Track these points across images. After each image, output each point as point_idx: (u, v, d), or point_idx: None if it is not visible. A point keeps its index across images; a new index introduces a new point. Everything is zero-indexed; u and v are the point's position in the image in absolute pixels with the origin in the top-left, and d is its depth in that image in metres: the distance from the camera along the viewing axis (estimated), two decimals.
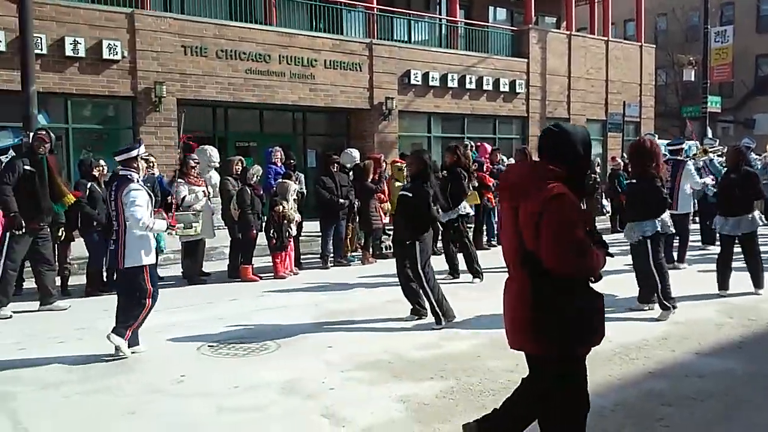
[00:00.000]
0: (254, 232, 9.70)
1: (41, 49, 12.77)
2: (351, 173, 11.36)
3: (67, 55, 13.51)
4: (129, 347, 5.81)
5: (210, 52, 15.39)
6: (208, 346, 6.20)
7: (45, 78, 12.93)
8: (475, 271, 9.31)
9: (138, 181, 5.91)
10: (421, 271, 6.81)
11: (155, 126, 14.71)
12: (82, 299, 8.48)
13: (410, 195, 6.97)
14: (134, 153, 5.95)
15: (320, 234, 11.11)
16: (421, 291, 6.94)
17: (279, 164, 11.35)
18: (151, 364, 5.66)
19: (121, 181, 5.89)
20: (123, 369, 5.50)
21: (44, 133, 7.89)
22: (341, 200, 10.65)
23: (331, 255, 10.91)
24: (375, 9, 18.83)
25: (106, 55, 13.91)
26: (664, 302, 6.96)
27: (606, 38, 24.00)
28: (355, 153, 12.12)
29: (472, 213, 9.98)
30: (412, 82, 18.82)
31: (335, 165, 10.92)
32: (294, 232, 10.16)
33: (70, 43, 13.50)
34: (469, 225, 10.79)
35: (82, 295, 8.65)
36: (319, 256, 11.05)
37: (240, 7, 16.42)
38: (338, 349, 6.00)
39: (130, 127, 14.73)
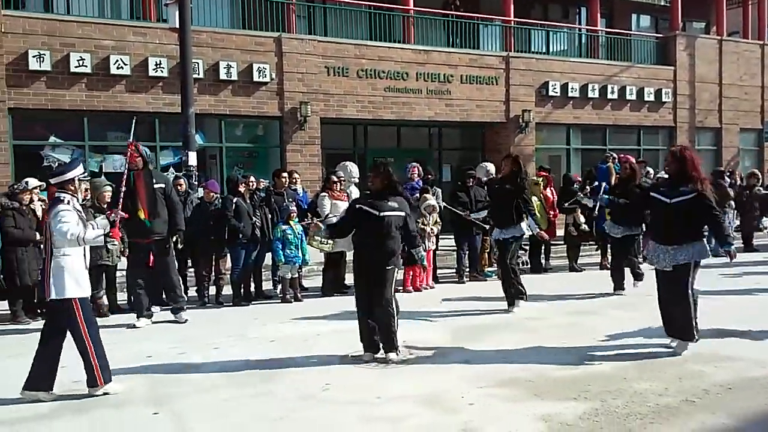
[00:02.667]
0: None
1: (198, 74, 13.79)
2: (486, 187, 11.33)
3: (221, 79, 14.49)
4: (107, 384, 5.37)
5: (351, 72, 15.96)
6: (351, 356, 6.41)
7: (201, 100, 13.92)
8: (520, 294, 8.42)
9: (68, 203, 5.37)
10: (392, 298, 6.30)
11: (300, 144, 15.44)
12: (231, 308, 9.05)
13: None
14: (68, 176, 5.46)
15: (455, 248, 11.18)
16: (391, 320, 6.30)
17: (416, 179, 11.54)
18: (300, 372, 5.93)
19: (53, 203, 5.45)
20: (274, 375, 5.81)
21: (134, 148, 7.81)
22: (472, 215, 10.63)
23: (467, 269, 10.93)
24: (512, 22, 18.72)
25: (256, 77, 14.80)
26: None
27: (762, 42, 22.40)
28: (491, 167, 12.07)
29: (528, 234, 8.79)
30: (550, 93, 18.50)
31: (471, 179, 10.95)
32: (431, 246, 10.28)
33: (224, 67, 14.48)
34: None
35: (230, 304, 9.22)
36: (455, 270, 11.11)
37: (379, 26, 16.90)
38: (476, 365, 6.02)
39: (278, 145, 15.54)
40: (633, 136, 20.57)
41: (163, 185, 8.08)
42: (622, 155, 10.18)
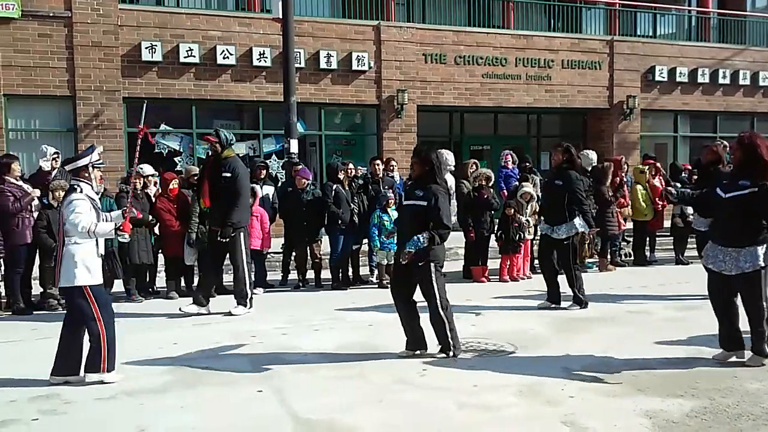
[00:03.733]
0: (483, 233, 9.87)
1: (300, 63, 14.10)
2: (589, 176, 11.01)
3: (321, 68, 14.76)
4: (108, 372, 5.36)
5: (449, 58, 15.89)
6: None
7: (302, 89, 14.22)
8: (580, 300, 7.90)
9: (82, 191, 5.36)
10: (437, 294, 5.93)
11: (397, 132, 15.53)
12: (330, 292, 9.26)
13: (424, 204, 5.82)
14: (81, 162, 5.43)
15: None
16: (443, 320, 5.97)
17: (510, 167, 11.38)
18: (395, 356, 5.99)
19: (67, 192, 5.48)
20: (371, 359, 5.91)
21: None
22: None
23: None
24: (617, 4, 18.07)
25: (354, 66, 14.99)
26: None
27: None
28: (593, 155, 11.74)
29: (587, 230, 8.20)
30: (657, 78, 17.77)
31: None
32: (528, 235, 10.13)
33: (324, 57, 14.74)
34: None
35: (328, 288, 9.44)
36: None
37: (478, 12, 16.71)
38: (577, 357, 5.90)
39: (375, 133, 15.69)
40: (745, 123, 19.42)
41: (229, 175, 7.70)
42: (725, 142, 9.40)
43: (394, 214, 9.54)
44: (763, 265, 5.28)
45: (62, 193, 8.12)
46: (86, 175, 5.44)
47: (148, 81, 13.72)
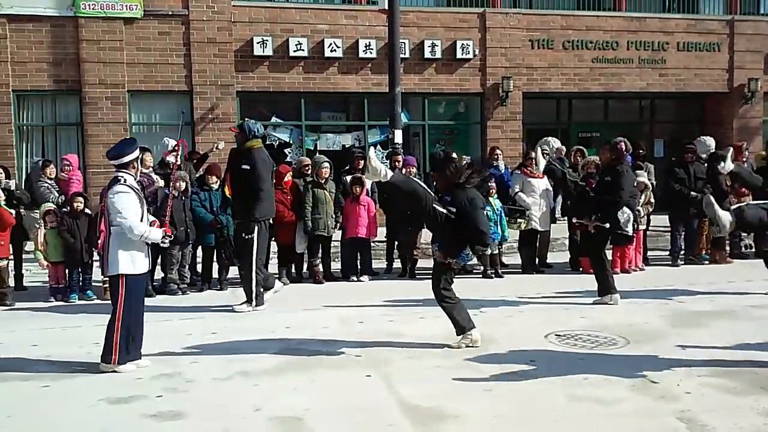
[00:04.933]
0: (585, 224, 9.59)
1: (405, 54, 14.16)
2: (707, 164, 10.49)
3: (425, 57, 14.77)
4: (130, 363, 5.47)
5: (556, 44, 15.51)
6: (555, 335, 6.34)
7: (407, 79, 14.26)
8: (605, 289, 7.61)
9: (127, 183, 5.42)
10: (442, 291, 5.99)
11: (501, 120, 15.33)
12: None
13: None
14: (127, 159, 5.48)
15: (669, 229, 10.51)
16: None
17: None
18: (502, 346, 5.98)
19: (111, 182, 5.51)
20: (477, 349, 5.91)
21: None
22: (693, 193, 9.90)
23: (683, 252, 10.25)
24: None
25: (459, 54, 14.89)
26: None
27: None
28: (710, 141, 11.13)
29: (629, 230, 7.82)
30: None
31: (690, 154, 10.20)
32: (641, 226, 9.77)
33: (429, 46, 14.73)
34: None
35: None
36: (668, 252, 10.47)
37: None
38: (693, 352, 5.68)
39: (479, 122, 15.56)
40: None
41: (248, 167, 7.52)
42: None
43: (497, 204, 9.49)
44: None
45: (184, 184, 8.61)
46: (133, 167, 5.55)
47: (260, 75, 14.21)
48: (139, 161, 5.66)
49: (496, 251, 9.68)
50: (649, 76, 16.11)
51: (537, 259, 10.13)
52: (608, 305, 7.49)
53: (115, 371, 5.39)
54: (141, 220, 5.42)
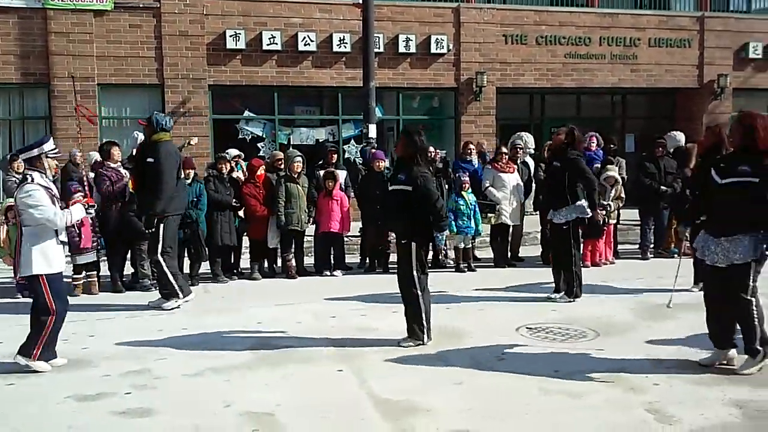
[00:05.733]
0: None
1: (379, 48, 14.13)
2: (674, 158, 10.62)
3: (400, 52, 14.77)
4: (46, 361, 5.39)
5: (530, 39, 15.59)
6: (527, 328, 6.38)
7: (381, 73, 14.23)
8: (571, 292, 7.46)
9: (35, 181, 5.32)
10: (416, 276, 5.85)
11: (475, 115, 15.39)
12: None
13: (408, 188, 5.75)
14: (35, 152, 5.40)
15: (639, 223, 10.63)
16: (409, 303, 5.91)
17: (593, 149, 11.07)
18: (473, 340, 6.01)
19: (20, 182, 5.50)
20: (451, 341, 5.93)
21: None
22: (663, 188, 10.02)
23: (652, 246, 10.38)
24: None
25: (433, 49, 14.91)
26: None
27: None
28: (680, 136, 11.25)
29: (587, 215, 7.61)
30: (751, 56, 16.88)
31: (660, 149, 10.31)
32: (611, 220, 9.88)
33: (403, 40, 14.73)
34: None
35: None
36: (638, 245, 10.60)
37: None
38: (662, 344, 5.75)
39: (452, 116, 15.60)
40: None
41: (152, 160, 7.31)
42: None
43: (471, 198, 9.52)
44: (755, 257, 4.84)
45: None
46: (39, 164, 5.43)
47: (233, 69, 14.08)
48: (45, 157, 5.45)
49: (470, 245, 9.73)
50: (621, 72, 16.27)
51: (509, 253, 10.20)
52: (574, 301, 7.52)
53: (28, 366, 5.28)
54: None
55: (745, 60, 16.97)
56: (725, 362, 5.10)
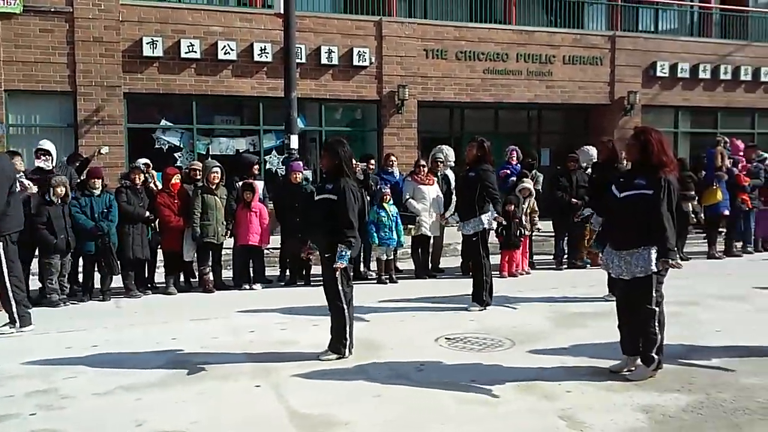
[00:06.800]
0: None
1: (301, 59, 14.09)
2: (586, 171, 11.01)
3: (322, 63, 14.77)
4: None
5: (450, 54, 15.89)
6: (445, 338, 6.44)
7: (303, 84, 14.21)
8: (481, 300, 7.67)
9: None
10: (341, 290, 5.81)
11: (397, 127, 15.54)
12: None
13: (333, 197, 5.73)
14: None
15: (554, 234, 10.96)
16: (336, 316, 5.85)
17: (514, 163, 11.37)
18: (393, 352, 6.02)
19: None
20: (369, 354, 5.91)
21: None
22: (574, 200, 10.36)
23: (566, 256, 10.71)
24: (619, 0, 18.05)
25: (356, 61, 14.98)
26: None
27: None
28: (593, 151, 11.66)
29: (494, 227, 8.10)
30: (659, 74, 17.76)
31: (573, 163, 10.68)
32: (527, 232, 10.15)
33: (326, 52, 14.73)
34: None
35: None
36: (552, 256, 10.92)
37: (480, 8, 16.68)
38: (574, 352, 5.91)
39: (375, 129, 15.69)
40: (747, 119, 19.44)
41: None
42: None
43: (392, 210, 9.58)
44: (655, 270, 5.00)
45: (64, 190, 8.17)
46: None
47: (149, 76, 13.73)
48: None
49: (392, 257, 9.77)
50: (537, 88, 16.78)
51: (430, 264, 10.31)
52: (496, 308, 7.69)
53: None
54: None
55: (653, 78, 17.82)
56: (633, 368, 5.29)
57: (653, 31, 19.26)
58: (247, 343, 6.39)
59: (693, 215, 11.28)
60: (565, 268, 10.59)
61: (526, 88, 16.67)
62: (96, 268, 8.54)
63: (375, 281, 9.65)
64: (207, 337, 6.58)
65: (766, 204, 12.13)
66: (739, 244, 12.03)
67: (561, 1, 17.59)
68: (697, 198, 11.37)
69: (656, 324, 5.13)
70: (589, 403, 4.70)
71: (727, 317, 7.21)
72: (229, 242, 9.43)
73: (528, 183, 10.23)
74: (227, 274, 9.62)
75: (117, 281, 8.69)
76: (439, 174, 10.44)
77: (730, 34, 19.30)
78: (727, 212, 11.49)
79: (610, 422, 4.34)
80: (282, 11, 11.90)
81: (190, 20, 13.91)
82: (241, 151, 14.61)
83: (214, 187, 9.03)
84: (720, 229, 12.02)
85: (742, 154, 12.46)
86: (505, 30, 16.58)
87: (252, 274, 9.36)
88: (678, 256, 5.12)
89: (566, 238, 10.71)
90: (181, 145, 14.35)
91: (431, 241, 10.23)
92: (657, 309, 5.14)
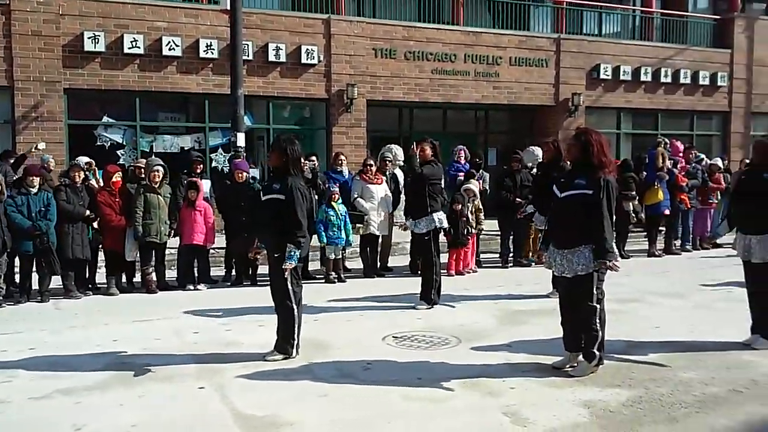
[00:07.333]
0: None
1: (248, 56, 13.89)
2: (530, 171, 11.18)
3: (270, 61, 14.59)
4: None
5: (399, 54, 15.91)
6: (393, 337, 6.46)
7: (250, 82, 14.02)
8: (429, 299, 7.74)
9: None
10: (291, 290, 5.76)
11: (346, 126, 15.48)
12: None
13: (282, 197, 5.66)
14: None
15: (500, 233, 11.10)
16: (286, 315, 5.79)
17: (463, 162, 11.48)
18: (340, 351, 6.00)
19: None
20: (317, 354, 5.88)
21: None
22: (518, 200, 10.48)
23: (511, 255, 10.87)
24: (564, 3, 18.39)
25: (304, 59, 14.85)
26: None
27: None
28: (538, 151, 11.86)
29: (446, 226, 8.25)
30: (602, 76, 18.14)
31: (517, 163, 10.83)
32: (474, 230, 10.25)
33: (273, 49, 14.57)
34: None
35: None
36: (498, 255, 11.06)
37: (428, 8, 16.76)
38: (518, 349, 6.00)
39: (324, 127, 15.61)
40: (686, 121, 20.06)
41: None
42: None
43: (341, 209, 9.56)
44: (595, 268, 5.12)
45: None
46: None
47: (91, 72, 13.34)
48: None
49: (340, 256, 9.74)
50: (484, 89, 16.95)
51: (378, 263, 10.32)
52: (443, 307, 7.75)
53: None
54: None
55: (597, 80, 18.21)
56: (576, 365, 5.40)
57: (597, 34, 19.68)
58: (191, 345, 6.28)
59: (634, 214, 11.60)
60: (511, 266, 10.74)
61: (474, 88, 16.82)
62: (35, 268, 8.26)
63: (323, 280, 9.60)
64: (150, 339, 6.44)
65: (704, 204, 12.57)
66: (677, 243, 12.41)
67: (507, 3, 17.82)
68: (638, 198, 11.69)
69: (597, 321, 5.25)
70: (533, 399, 4.77)
71: (665, 314, 7.43)
72: (173, 242, 9.25)
73: (473, 185, 10.33)
74: (171, 274, 9.43)
75: (56, 282, 8.44)
76: (387, 173, 10.44)
77: (670, 38, 19.87)
78: (667, 212, 11.84)
79: (552, 418, 4.41)
80: (228, 7, 11.72)
81: (133, 15, 13.57)
82: (186, 148, 14.34)
83: (156, 185, 8.83)
84: (660, 228, 12.37)
85: (681, 155, 12.86)
86: (453, 31, 16.69)
87: (197, 274, 9.21)
88: (616, 256, 5.23)
89: (511, 237, 10.85)
90: (124, 143, 14.00)
91: (380, 240, 10.25)
92: (598, 306, 5.26)
